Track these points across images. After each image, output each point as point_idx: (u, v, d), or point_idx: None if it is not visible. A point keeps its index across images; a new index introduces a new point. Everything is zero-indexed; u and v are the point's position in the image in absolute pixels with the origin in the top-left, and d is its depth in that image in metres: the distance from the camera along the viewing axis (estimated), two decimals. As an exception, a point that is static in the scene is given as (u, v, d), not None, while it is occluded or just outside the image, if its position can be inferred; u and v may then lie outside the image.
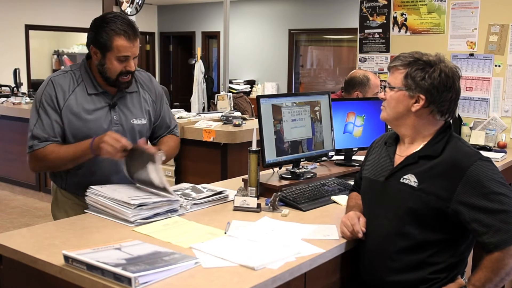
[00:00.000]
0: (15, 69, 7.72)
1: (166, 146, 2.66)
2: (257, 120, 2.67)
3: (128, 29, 2.42)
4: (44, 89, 2.49)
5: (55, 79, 2.49)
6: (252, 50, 12.08)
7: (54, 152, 2.43)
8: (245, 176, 2.61)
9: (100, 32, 2.42)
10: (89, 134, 2.46)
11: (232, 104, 6.09)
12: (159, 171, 2.33)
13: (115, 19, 2.43)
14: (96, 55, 2.46)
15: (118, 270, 1.58)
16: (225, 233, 2.08)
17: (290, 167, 2.82)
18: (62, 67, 12.77)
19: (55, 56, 13.17)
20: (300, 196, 2.52)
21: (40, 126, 2.44)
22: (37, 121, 2.45)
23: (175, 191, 2.55)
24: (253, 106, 6.66)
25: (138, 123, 2.61)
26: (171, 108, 3.22)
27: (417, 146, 2.06)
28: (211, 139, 4.84)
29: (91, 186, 2.34)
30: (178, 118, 5.30)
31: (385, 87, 2.13)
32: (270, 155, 2.65)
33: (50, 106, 2.45)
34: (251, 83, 11.89)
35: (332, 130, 2.99)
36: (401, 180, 2.02)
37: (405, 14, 5.07)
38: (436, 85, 1.98)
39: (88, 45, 2.50)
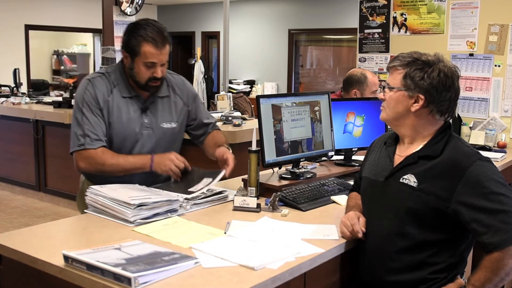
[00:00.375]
0: (15, 69, 7.72)
1: (226, 143, 2.77)
2: (257, 120, 2.67)
3: (157, 36, 2.48)
4: (85, 89, 2.55)
5: (93, 81, 2.57)
6: (252, 50, 12.08)
7: (113, 159, 2.50)
8: (245, 176, 2.61)
9: (131, 37, 2.50)
10: (122, 137, 2.56)
11: (231, 104, 6.09)
12: (205, 183, 2.51)
13: (146, 26, 2.49)
14: (127, 59, 2.55)
15: (118, 270, 1.58)
16: (225, 233, 2.08)
17: (289, 167, 2.82)
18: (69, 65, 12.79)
19: (55, 56, 13.18)
20: (299, 196, 2.52)
21: (88, 124, 2.50)
22: (84, 120, 2.51)
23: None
24: (252, 106, 6.66)
25: (168, 127, 2.68)
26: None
27: (417, 146, 2.06)
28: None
29: (91, 186, 2.34)
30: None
31: (384, 87, 2.13)
32: (270, 155, 2.65)
33: (94, 106, 2.52)
34: (251, 83, 11.89)
35: (331, 130, 2.99)
36: (401, 180, 2.02)
37: (405, 14, 5.07)
38: (435, 85, 1.98)
39: (121, 48, 2.58)
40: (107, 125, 2.55)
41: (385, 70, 5.04)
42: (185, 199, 2.39)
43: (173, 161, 2.50)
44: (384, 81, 2.39)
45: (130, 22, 2.62)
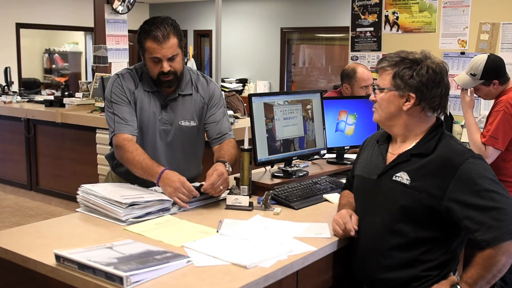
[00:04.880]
0: (6, 68, 7.67)
1: (227, 156, 2.63)
2: (249, 118, 2.67)
3: (159, 31, 2.49)
4: (114, 82, 2.63)
5: (122, 76, 2.66)
6: (244, 48, 12.07)
7: (134, 151, 2.50)
8: (237, 175, 2.61)
9: (139, 34, 2.56)
10: (143, 129, 2.63)
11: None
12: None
13: (152, 22, 2.54)
14: (140, 54, 2.60)
15: (110, 269, 1.58)
16: (217, 231, 2.08)
17: (282, 165, 2.83)
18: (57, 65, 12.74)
19: (46, 55, 13.10)
20: (292, 194, 2.53)
21: (119, 113, 2.58)
22: (115, 110, 2.59)
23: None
24: (245, 104, 6.65)
25: (186, 124, 2.70)
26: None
27: (409, 144, 2.07)
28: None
29: (83, 185, 2.34)
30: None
31: (374, 89, 2.14)
32: (262, 154, 2.65)
33: (123, 96, 2.60)
34: (243, 81, 11.88)
35: (324, 129, 3.00)
36: (394, 178, 2.03)
37: (397, 13, 5.08)
38: (425, 82, 1.99)
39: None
40: (136, 115, 2.62)
41: (377, 69, 5.05)
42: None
43: (178, 190, 2.33)
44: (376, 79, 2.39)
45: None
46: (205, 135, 2.85)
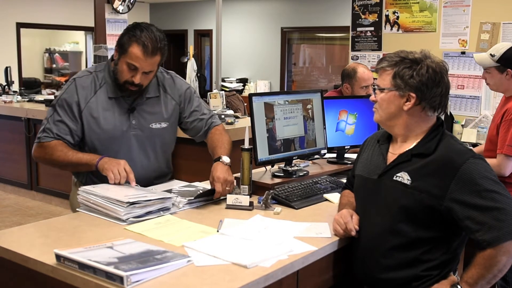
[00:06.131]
0: (6, 67, 7.68)
1: (222, 148, 2.67)
2: (249, 118, 2.67)
3: (150, 43, 2.43)
4: (66, 90, 2.56)
5: (78, 81, 2.56)
6: (244, 48, 12.07)
7: (62, 151, 2.48)
8: (238, 174, 2.61)
9: (126, 33, 2.47)
10: (108, 137, 2.54)
11: (224, 102, 6.08)
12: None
13: (144, 29, 2.45)
14: (116, 53, 2.51)
15: (110, 269, 1.58)
16: (218, 231, 2.08)
17: (282, 165, 2.82)
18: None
19: (47, 54, 13.11)
20: (292, 194, 2.52)
21: (52, 122, 2.52)
22: (51, 117, 2.53)
23: (167, 190, 2.56)
24: (245, 104, 6.65)
25: (157, 127, 2.65)
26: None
27: (410, 144, 2.07)
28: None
29: (83, 186, 2.33)
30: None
31: (374, 89, 2.13)
32: (263, 153, 2.65)
33: (65, 109, 2.52)
34: (244, 81, 11.88)
35: (324, 128, 3.00)
36: (394, 178, 2.02)
37: (397, 12, 5.08)
38: (425, 82, 1.99)
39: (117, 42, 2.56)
40: (84, 126, 2.53)
41: (377, 68, 5.05)
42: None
43: (119, 165, 2.39)
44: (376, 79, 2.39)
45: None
46: (188, 131, 2.84)
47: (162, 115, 2.66)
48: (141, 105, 2.60)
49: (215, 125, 2.83)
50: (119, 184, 2.37)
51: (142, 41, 2.41)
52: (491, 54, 3.21)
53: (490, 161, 3.02)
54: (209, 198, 2.48)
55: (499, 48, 3.20)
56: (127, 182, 2.42)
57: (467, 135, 4.38)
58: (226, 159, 2.57)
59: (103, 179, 2.42)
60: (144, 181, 2.56)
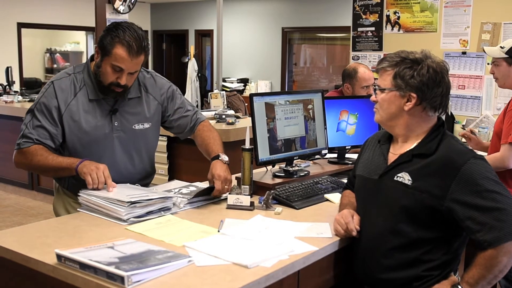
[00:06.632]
0: (7, 68, 7.68)
1: (216, 145, 2.65)
2: (250, 118, 2.67)
3: (134, 43, 2.36)
4: (44, 93, 2.48)
5: (57, 84, 2.47)
6: (245, 48, 12.07)
7: (42, 156, 2.41)
8: (238, 174, 2.61)
9: (108, 34, 2.38)
10: (90, 140, 2.48)
11: (225, 103, 6.09)
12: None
13: (127, 29, 2.38)
14: (97, 55, 2.44)
15: (111, 269, 1.58)
16: (218, 231, 2.08)
17: (283, 165, 2.82)
18: (57, 66, 12.75)
19: (48, 54, 13.11)
20: (293, 194, 2.52)
21: (31, 127, 2.44)
22: (30, 122, 2.46)
23: (168, 190, 2.56)
24: (246, 104, 6.66)
25: (140, 128, 2.59)
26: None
27: (411, 145, 2.06)
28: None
29: (82, 190, 2.32)
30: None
31: (375, 89, 2.13)
32: (263, 153, 2.65)
33: (44, 113, 2.44)
34: (245, 81, 11.88)
35: (325, 128, 3.00)
36: (395, 178, 2.02)
37: (398, 12, 5.08)
38: (426, 82, 1.99)
39: (95, 43, 2.48)
40: (65, 130, 2.46)
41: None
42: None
43: (98, 170, 2.31)
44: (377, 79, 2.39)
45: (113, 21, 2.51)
46: (173, 129, 2.80)
47: (145, 116, 2.60)
48: (123, 106, 2.54)
49: (201, 121, 2.79)
50: (97, 189, 2.30)
51: (126, 41, 2.35)
52: (501, 46, 3.24)
53: (493, 155, 3.04)
54: (208, 197, 2.48)
55: (510, 42, 3.23)
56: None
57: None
58: (224, 157, 2.56)
59: (85, 184, 2.35)
60: (129, 183, 2.51)
